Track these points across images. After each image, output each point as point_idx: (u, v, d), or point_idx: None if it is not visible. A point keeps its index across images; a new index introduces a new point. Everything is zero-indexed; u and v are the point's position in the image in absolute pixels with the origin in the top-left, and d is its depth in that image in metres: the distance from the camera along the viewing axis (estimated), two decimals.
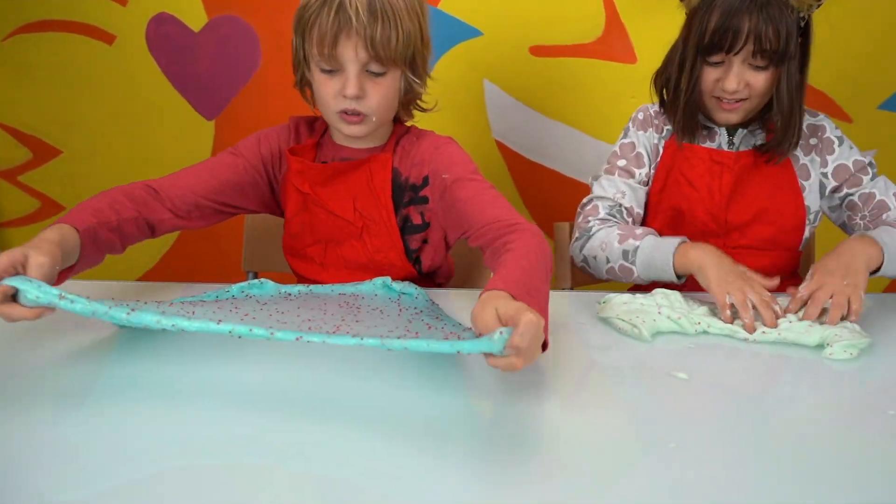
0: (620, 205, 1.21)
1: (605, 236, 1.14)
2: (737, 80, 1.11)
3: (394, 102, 1.10)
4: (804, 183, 1.19)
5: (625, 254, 1.10)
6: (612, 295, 0.99)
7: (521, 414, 0.71)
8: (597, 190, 1.24)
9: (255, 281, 1.06)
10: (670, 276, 1.05)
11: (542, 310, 0.78)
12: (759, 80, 1.11)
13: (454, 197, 1.07)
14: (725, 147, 1.20)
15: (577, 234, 1.21)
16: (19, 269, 0.77)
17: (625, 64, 1.83)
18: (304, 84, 1.14)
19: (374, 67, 1.04)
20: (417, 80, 1.10)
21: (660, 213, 1.23)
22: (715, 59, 1.13)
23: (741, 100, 1.13)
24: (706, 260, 1.00)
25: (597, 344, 0.93)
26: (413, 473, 0.59)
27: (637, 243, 1.09)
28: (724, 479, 0.59)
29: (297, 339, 0.68)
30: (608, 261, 1.12)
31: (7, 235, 2.12)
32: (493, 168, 1.93)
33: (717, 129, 1.21)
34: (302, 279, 1.22)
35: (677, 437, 0.66)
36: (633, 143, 1.25)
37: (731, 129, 1.21)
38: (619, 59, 1.83)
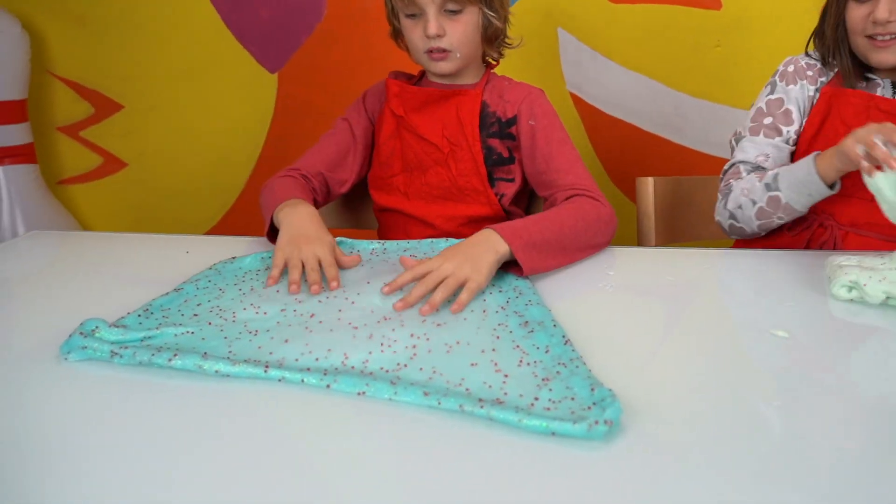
0: (762, 168, 1.17)
1: (745, 183, 1.13)
2: (888, 9, 1.05)
3: (475, 38, 1.20)
4: None
5: (767, 186, 1.08)
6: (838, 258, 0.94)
7: (615, 372, 0.70)
8: (738, 154, 1.20)
9: None
10: (818, 185, 1.02)
11: (528, 247, 0.94)
12: None
13: (536, 147, 1.19)
14: (888, 96, 1.14)
15: (719, 198, 1.19)
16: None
17: (709, 10, 1.77)
18: (397, 34, 1.27)
19: (451, 6, 1.15)
20: (494, 15, 1.20)
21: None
22: None
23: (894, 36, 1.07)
24: (844, 139, 0.98)
25: (682, 301, 0.90)
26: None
27: (776, 171, 1.08)
28: (828, 443, 0.57)
29: (358, 393, 0.66)
30: (754, 203, 1.11)
31: (71, 192, 2.19)
32: (566, 122, 1.88)
33: (878, 79, 1.15)
34: (385, 212, 1.29)
35: (780, 396, 0.65)
36: (781, 99, 1.20)
37: (894, 80, 1.14)
38: (702, 4, 1.77)
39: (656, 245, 1.34)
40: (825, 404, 0.65)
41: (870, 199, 1.12)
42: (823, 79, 1.19)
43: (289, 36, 1.94)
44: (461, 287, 0.88)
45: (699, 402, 0.65)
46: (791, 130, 1.18)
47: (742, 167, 1.18)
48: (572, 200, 1.10)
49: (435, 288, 0.86)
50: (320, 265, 0.94)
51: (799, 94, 1.19)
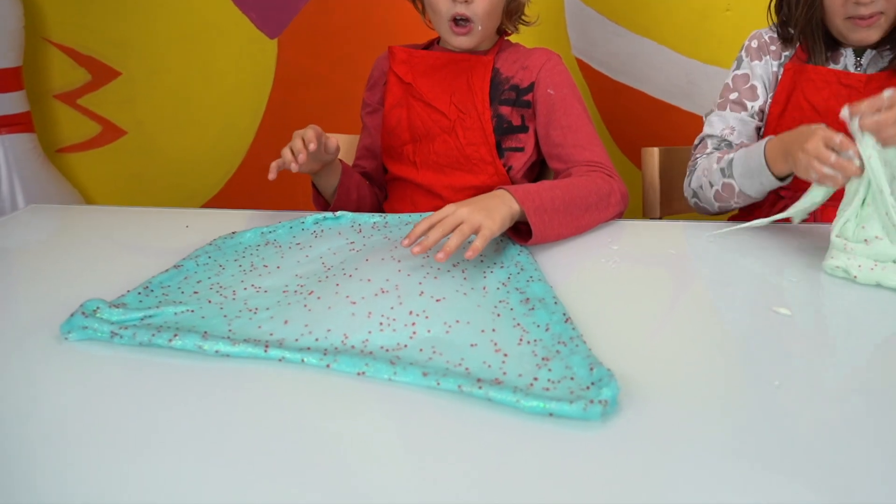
0: (729, 141, 1.18)
1: (706, 162, 1.14)
2: None
3: (498, 10, 1.20)
4: None
5: (722, 172, 1.09)
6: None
7: (615, 349, 0.71)
8: (706, 128, 1.22)
9: (330, 214, 1.07)
10: (769, 177, 1.02)
11: (540, 211, 0.96)
12: None
13: (554, 117, 1.18)
14: (851, 69, 1.13)
15: (686, 173, 1.20)
16: (321, 138, 1.10)
17: None
18: None
19: None
20: None
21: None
22: None
23: (877, 13, 1.06)
24: (789, 143, 0.95)
25: (685, 277, 0.91)
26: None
27: (731, 156, 1.08)
28: (829, 421, 0.59)
29: (358, 373, 0.67)
30: (711, 185, 1.11)
31: (69, 160, 2.19)
32: None
33: (842, 49, 1.14)
34: (394, 182, 1.31)
35: (779, 374, 0.66)
36: (746, 75, 1.21)
37: (858, 50, 1.13)
38: None
39: (661, 216, 1.34)
40: (824, 385, 0.65)
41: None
42: (787, 52, 1.19)
43: (288, 1, 1.92)
44: (475, 234, 0.89)
45: (698, 382, 0.66)
46: (755, 105, 1.20)
47: (709, 141, 1.19)
48: (587, 174, 1.11)
49: (451, 232, 0.88)
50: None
51: (763, 69, 1.20)
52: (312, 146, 1.05)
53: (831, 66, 1.14)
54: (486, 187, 1.22)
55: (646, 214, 1.35)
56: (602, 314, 0.79)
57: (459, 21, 1.16)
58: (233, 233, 1.02)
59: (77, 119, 2.13)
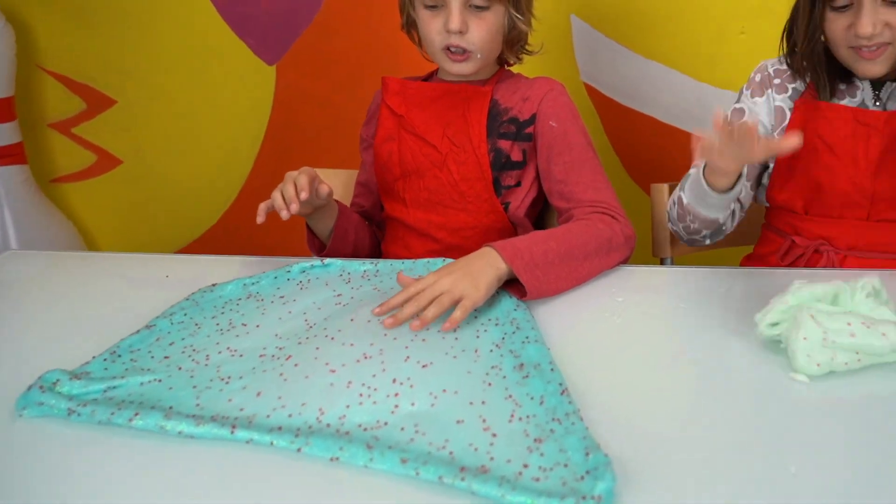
0: None
1: (677, 190, 1.12)
2: (871, 22, 0.98)
3: (497, 39, 1.15)
4: None
5: (680, 187, 1.08)
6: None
7: (615, 427, 0.66)
8: (698, 159, 1.14)
9: (318, 262, 1.03)
10: (706, 188, 1.02)
11: (530, 268, 0.91)
12: None
13: (556, 152, 1.13)
14: (870, 104, 1.07)
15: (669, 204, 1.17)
16: (315, 181, 1.06)
17: None
18: (410, 25, 1.21)
19: (478, 1, 1.10)
20: (521, 17, 1.15)
21: (791, 182, 1.12)
22: (839, 2, 1.00)
23: (883, 44, 1.00)
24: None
25: (697, 339, 0.85)
26: None
27: (688, 174, 1.07)
28: None
29: (331, 459, 0.62)
30: (673, 204, 1.10)
31: (63, 191, 2.17)
32: (581, 114, 1.83)
33: (858, 82, 1.08)
34: (389, 220, 1.27)
35: (797, 459, 0.61)
36: (742, 110, 1.16)
37: (876, 83, 1.08)
38: None
39: (672, 256, 1.28)
40: (844, 473, 0.60)
41: (864, 219, 1.08)
42: (796, 85, 1.13)
43: (287, 27, 1.89)
44: (455, 305, 0.84)
45: (704, 468, 0.60)
46: None
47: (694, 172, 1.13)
48: (587, 218, 1.05)
49: (428, 305, 0.83)
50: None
51: (765, 105, 1.15)
52: (304, 195, 1.00)
53: (847, 100, 1.09)
54: (483, 227, 1.17)
55: (655, 254, 1.30)
56: (602, 382, 0.74)
57: (455, 49, 1.12)
58: (213, 285, 0.97)
59: (72, 148, 2.11)
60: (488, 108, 1.15)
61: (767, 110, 1.14)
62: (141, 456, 0.64)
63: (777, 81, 1.13)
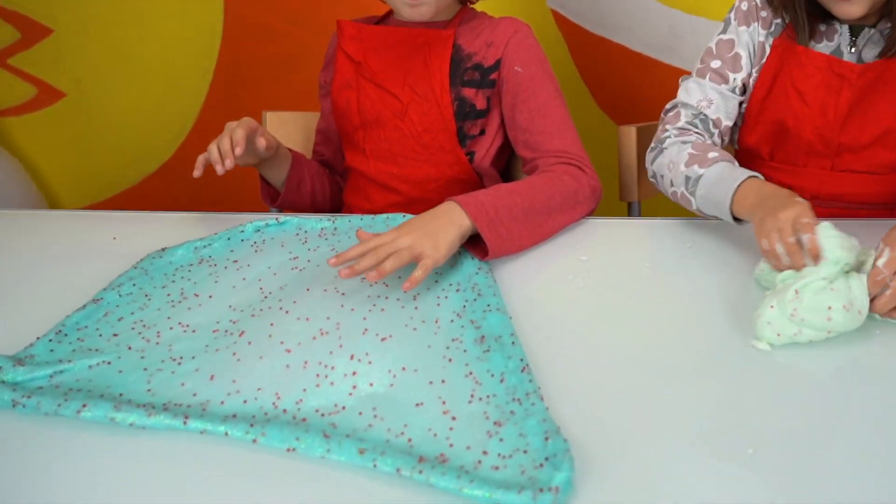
0: (705, 115, 1.09)
1: (675, 154, 1.03)
2: None
3: None
4: None
5: (686, 180, 1.00)
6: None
7: (575, 407, 0.67)
8: (682, 94, 1.12)
9: (273, 219, 1.00)
10: (727, 216, 0.94)
11: (494, 225, 0.89)
12: None
13: (521, 99, 1.09)
14: (846, 49, 1.04)
15: (652, 144, 1.10)
16: (254, 134, 1.04)
17: None
18: None
19: None
20: None
21: (759, 125, 1.10)
22: None
23: None
24: (766, 197, 0.87)
25: (662, 301, 0.86)
26: None
27: (702, 171, 0.98)
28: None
29: (288, 450, 0.61)
30: (672, 184, 1.03)
31: (6, 125, 2.08)
32: (548, 43, 1.77)
33: (837, 25, 1.05)
34: (350, 171, 1.23)
35: (755, 440, 0.62)
36: (731, 41, 1.10)
37: (856, 28, 1.04)
38: None
39: (639, 198, 1.27)
40: (807, 455, 0.61)
41: (828, 169, 1.07)
42: (778, 21, 1.09)
43: None
44: (415, 263, 0.83)
45: (668, 454, 0.61)
46: (738, 78, 1.10)
47: (683, 112, 1.09)
48: (551, 169, 1.03)
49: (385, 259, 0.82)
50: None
51: (749, 37, 1.10)
52: (238, 150, 0.99)
53: (824, 44, 1.06)
54: (446, 179, 1.14)
55: (622, 197, 1.28)
56: (564, 354, 0.74)
57: None
58: (163, 249, 0.94)
59: (10, 80, 2.01)
60: (451, 55, 1.10)
61: (752, 41, 1.10)
62: (90, 448, 0.63)
63: (763, 14, 1.09)
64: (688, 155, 1.01)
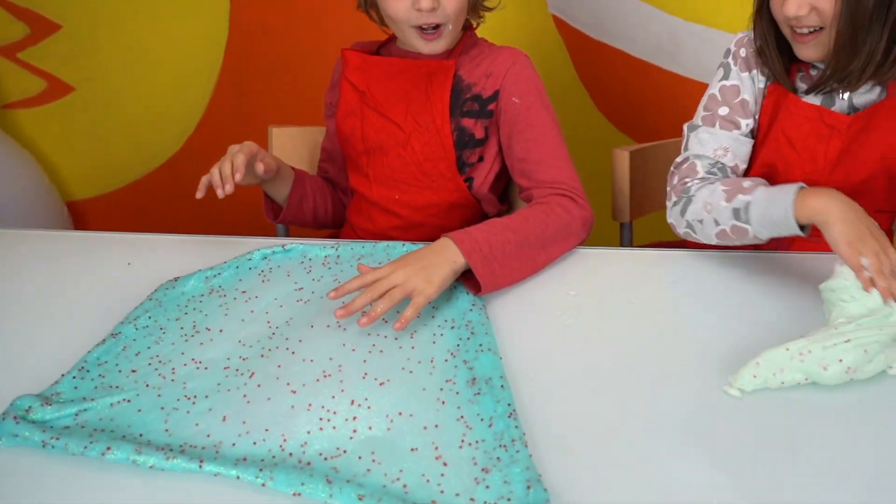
0: (723, 164, 1.10)
1: (709, 195, 1.03)
2: (797, 4, 0.97)
3: (465, 5, 1.12)
4: None
5: (735, 213, 0.99)
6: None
7: (555, 447, 0.73)
8: (694, 146, 1.11)
9: (279, 247, 1.06)
10: (793, 231, 0.95)
11: (488, 262, 0.95)
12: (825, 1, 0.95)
13: (517, 129, 1.14)
14: (837, 96, 1.07)
15: (673, 199, 1.10)
16: (254, 158, 1.09)
17: None
18: (368, 5, 1.17)
19: None
20: None
21: (754, 167, 1.13)
22: None
23: (815, 29, 0.99)
24: (832, 211, 0.90)
25: (648, 337, 0.92)
26: None
27: (748, 198, 0.97)
28: None
29: (294, 494, 0.68)
30: (717, 223, 1.02)
31: (14, 117, 2.13)
32: (548, 49, 1.82)
33: (839, 94, 1.07)
34: (354, 192, 1.28)
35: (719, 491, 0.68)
36: (736, 87, 1.11)
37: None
38: None
39: (631, 219, 1.33)
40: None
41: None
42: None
43: None
44: (408, 298, 0.89)
45: (646, 499, 0.68)
46: (748, 123, 1.10)
47: (698, 163, 1.09)
48: (545, 201, 1.07)
49: (379, 298, 0.88)
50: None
51: (752, 82, 1.11)
52: (238, 176, 1.04)
53: (821, 101, 1.08)
54: (447, 204, 1.20)
55: (615, 218, 1.34)
56: (549, 397, 0.80)
57: (427, 28, 1.09)
58: (175, 279, 1.01)
59: (20, 74, 2.06)
60: (451, 85, 1.14)
61: (752, 88, 1.11)
62: (115, 486, 0.70)
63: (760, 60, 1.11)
64: (723, 192, 1.01)
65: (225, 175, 1.04)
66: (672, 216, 1.10)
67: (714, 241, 1.05)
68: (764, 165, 1.12)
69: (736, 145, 1.10)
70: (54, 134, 2.15)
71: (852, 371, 0.80)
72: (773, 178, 1.12)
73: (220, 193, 1.04)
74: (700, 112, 1.13)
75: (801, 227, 0.94)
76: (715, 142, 1.10)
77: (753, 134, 1.12)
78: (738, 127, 1.10)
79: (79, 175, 2.22)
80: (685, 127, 1.15)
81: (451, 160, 1.16)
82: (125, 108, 2.09)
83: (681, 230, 1.09)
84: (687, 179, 1.09)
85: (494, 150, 1.19)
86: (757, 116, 1.12)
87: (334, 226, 1.34)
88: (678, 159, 1.13)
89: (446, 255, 0.94)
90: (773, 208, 0.95)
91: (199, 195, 1.05)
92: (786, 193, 0.95)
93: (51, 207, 2.13)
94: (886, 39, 0.97)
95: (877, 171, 1.07)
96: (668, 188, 1.12)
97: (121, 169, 2.18)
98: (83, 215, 2.24)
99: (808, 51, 1.01)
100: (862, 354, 0.80)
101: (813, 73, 1.08)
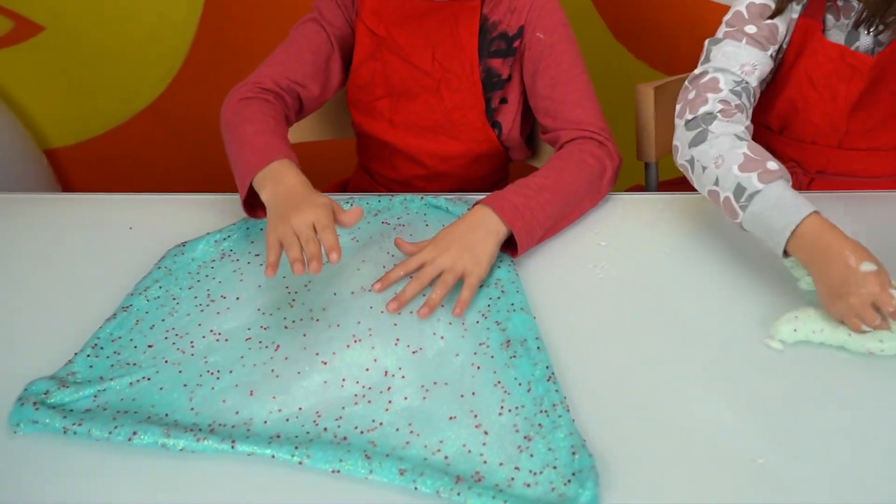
0: (747, 83, 1.02)
1: (727, 150, 0.94)
2: None
3: None
4: None
5: (739, 189, 0.91)
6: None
7: (596, 411, 0.75)
8: (718, 58, 1.03)
9: None
10: (776, 249, 0.88)
11: (530, 229, 0.95)
12: None
13: (543, 66, 1.12)
14: (863, 31, 1.04)
15: (687, 115, 1.01)
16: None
17: None
18: None
19: None
20: None
21: (773, 101, 1.12)
22: None
23: None
24: (823, 264, 0.84)
25: (680, 287, 0.94)
26: None
27: (760, 187, 0.89)
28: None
29: (332, 471, 0.69)
30: (716, 182, 0.94)
31: None
32: None
33: (854, 2, 1.03)
34: (367, 137, 1.24)
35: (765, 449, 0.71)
36: (766, 6, 1.04)
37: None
38: None
39: (657, 158, 1.31)
40: (817, 462, 0.69)
41: (835, 147, 1.11)
42: None
43: None
44: (460, 281, 0.89)
45: (689, 463, 0.69)
46: (774, 50, 1.06)
47: (722, 78, 1.01)
48: (575, 149, 1.06)
49: (430, 283, 0.88)
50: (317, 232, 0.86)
51: (788, 10, 1.05)
52: (334, 257, 0.84)
53: (842, 21, 1.04)
54: (474, 155, 1.19)
55: (640, 157, 1.33)
56: (585, 356, 0.82)
57: None
58: (183, 244, 1.00)
59: None
60: (479, 25, 1.11)
61: (786, 17, 1.05)
62: (142, 470, 0.71)
63: None
64: (743, 156, 0.93)
65: (311, 254, 0.84)
66: (680, 137, 1.02)
67: (702, 193, 0.99)
68: (785, 101, 1.11)
69: (762, 65, 1.04)
70: (25, 78, 2.10)
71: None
72: (792, 116, 1.11)
73: (333, 258, 0.85)
74: (723, 28, 1.07)
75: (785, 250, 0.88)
76: (743, 56, 1.03)
77: (776, 65, 1.10)
78: (763, 49, 1.04)
79: (55, 121, 2.17)
80: (707, 42, 1.08)
81: (480, 109, 1.15)
82: (100, 47, 2.03)
83: (680, 159, 1.02)
84: (709, 95, 1.00)
85: (518, 90, 1.17)
86: (785, 47, 1.08)
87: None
88: (696, 72, 1.05)
89: (489, 228, 0.93)
90: (775, 218, 0.88)
91: (269, 273, 0.85)
92: (794, 212, 0.86)
93: (28, 156, 2.09)
94: None
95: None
96: (680, 104, 1.04)
97: (100, 113, 2.13)
98: (64, 164, 2.21)
99: None
100: None
101: (841, 3, 1.05)
